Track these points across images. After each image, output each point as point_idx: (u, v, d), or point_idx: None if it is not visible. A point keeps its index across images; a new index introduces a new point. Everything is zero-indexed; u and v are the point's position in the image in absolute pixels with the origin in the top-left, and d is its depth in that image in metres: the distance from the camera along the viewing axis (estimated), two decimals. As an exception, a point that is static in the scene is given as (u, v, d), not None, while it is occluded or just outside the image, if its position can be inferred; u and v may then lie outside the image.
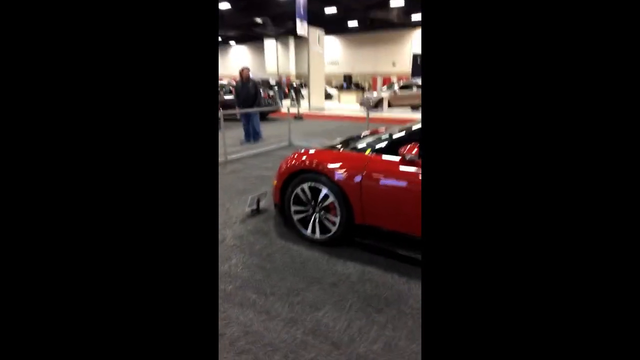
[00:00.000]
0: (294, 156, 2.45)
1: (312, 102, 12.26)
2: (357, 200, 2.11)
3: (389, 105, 11.64)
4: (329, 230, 2.28)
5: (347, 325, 1.60)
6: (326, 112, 11.63)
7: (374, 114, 10.31)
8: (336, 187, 2.17)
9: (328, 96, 14.40)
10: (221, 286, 1.90)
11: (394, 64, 22.88)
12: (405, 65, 22.17)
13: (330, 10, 17.18)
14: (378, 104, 11.89)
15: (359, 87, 18.58)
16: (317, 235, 2.34)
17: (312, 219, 2.34)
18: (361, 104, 12.55)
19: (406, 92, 12.14)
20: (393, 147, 2.13)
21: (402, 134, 2.28)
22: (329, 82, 19.42)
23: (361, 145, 2.46)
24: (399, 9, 16.87)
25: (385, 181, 2.02)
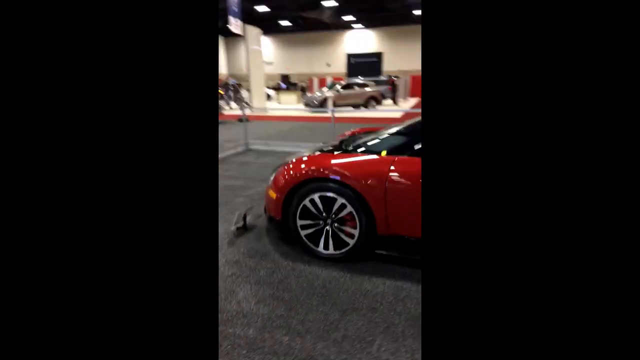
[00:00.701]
0: (294, 165, 2.12)
1: (254, 103, 11.73)
2: (381, 208, 1.88)
3: (334, 104, 11.70)
4: (346, 245, 2.02)
5: (410, 357, 1.37)
6: (270, 113, 11.20)
7: (322, 114, 10.21)
8: (355, 195, 1.92)
9: (267, 97, 13.97)
10: (239, 331, 1.51)
11: (328, 65, 23.22)
12: (339, 66, 22.65)
13: (262, 8, 16.69)
14: (323, 103, 11.90)
15: (300, 88, 18.41)
16: (331, 250, 2.06)
17: (325, 233, 2.05)
18: (306, 104, 12.44)
19: (349, 92, 12.45)
20: (408, 145, 1.95)
21: (401, 129, 2.13)
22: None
23: (365, 146, 2.24)
24: (331, 9, 17.08)
25: (414, 184, 1.82)
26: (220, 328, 1.53)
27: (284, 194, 2.09)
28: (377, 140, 2.28)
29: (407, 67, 20.67)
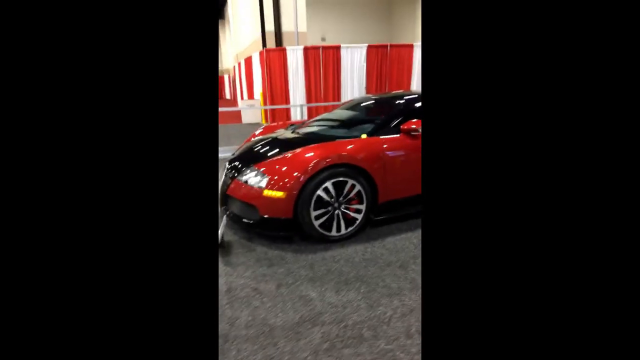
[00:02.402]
0: (297, 161, 2.10)
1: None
2: (382, 179, 2.23)
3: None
4: (354, 221, 2.24)
5: (411, 282, 1.87)
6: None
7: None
8: (362, 174, 2.17)
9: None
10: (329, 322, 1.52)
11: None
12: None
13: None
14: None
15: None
16: (342, 231, 2.22)
17: (335, 217, 2.18)
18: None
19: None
20: (385, 127, 2.40)
21: (353, 114, 2.55)
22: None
23: (327, 132, 2.51)
24: None
25: (402, 156, 2.28)
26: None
27: (298, 190, 2.04)
28: (334, 125, 2.56)
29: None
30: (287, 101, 8.38)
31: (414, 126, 2.30)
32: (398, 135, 2.35)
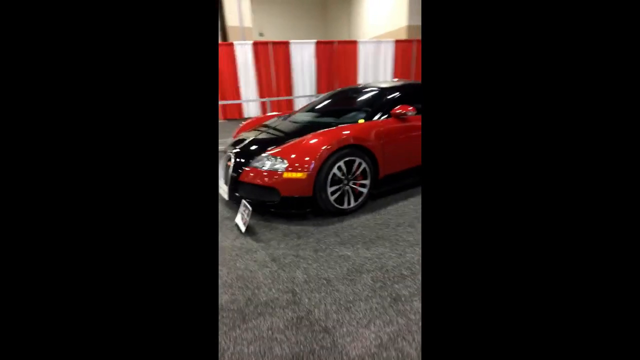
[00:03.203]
0: (311, 146, 2.37)
1: None
2: (382, 158, 2.61)
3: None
4: (360, 195, 2.59)
5: (413, 237, 2.35)
6: None
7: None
8: (367, 153, 2.52)
9: None
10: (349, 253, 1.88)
11: None
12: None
13: None
14: None
15: None
16: (353, 204, 2.56)
17: (347, 192, 2.51)
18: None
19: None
20: (378, 113, 2.79)
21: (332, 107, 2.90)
22: None
23: (325, 119, 2.83)
24: None
25: (395, 136, 2.69)
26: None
27: (317, 170, 2.31)
28: (334, 113, 2.87)
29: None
30: (238, 96, 8.36)
31: (400, 110, 2.72)
32: (390, 119, 2.75)
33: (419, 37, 9.76)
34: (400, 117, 2.76)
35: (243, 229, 2.31)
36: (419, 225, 2.34)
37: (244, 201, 2.40)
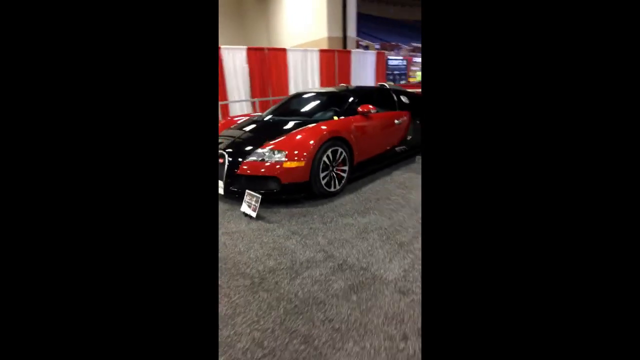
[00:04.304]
0: (306, 138, 2.80)
1: None
2: (356, 148, 3.19)
3: None
4: (342, 179, 3.12)
5: (407, 203, 3.07)
6: None
7: None
8: (347, 144, 3.07)
9: None
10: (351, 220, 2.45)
11: None
12: None
13: None
14: None
15: None
16: (337, 187, 3.07)
17: (333, 176, 3.01)
18: None
19: None
20: (349, 110, 3.36)
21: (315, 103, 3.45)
22: None
23: (304, 119, 3.30)
24: None
25: (363, 129, 3.29)
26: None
27: (311, 159, 2.76)
28: (308, 111, 3.34)
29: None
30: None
31: (365, 109, 3.35)
32: (357, 116, 3.36)
33: (339, 47, 10.82)
34: (365, 115, 3.39)
35: (254, 214, 2.62)
36: (393, 197, 2.98)
37: (248, 191, 2.71)
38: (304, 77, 9.75)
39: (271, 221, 2.59)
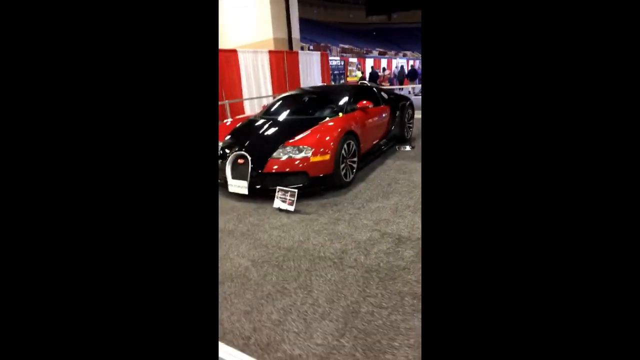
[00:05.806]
0: (327, 134, 3.02)
1: None
2: (362, 140, 3.51)
3: None
4: (353, 169, 3.41)
5: (410, 181, 3.51)
6: None
7: None
8: (356, 137, 3.36)
9: None
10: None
11: None
12: None
13: None
14: None
15: None
16: (350, 177, 3.36)
17: (347, 167, 3.29)
18: None
19: None
20: (349, 108, 3.66)
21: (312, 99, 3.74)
22: None
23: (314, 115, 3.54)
24: None
25: (365, 123, 3.62)
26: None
27: (335, 152, 3.00)
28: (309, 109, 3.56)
29: None
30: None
31: (364, 105, 3.69)
32: (358, 112, 3.67)
33: (286, 48, 11.01)
34: (364, 110, 3.72)
35: (292, 208, 2.76)
36: (401, 181, 3.37)
37: (280, 187, 2.84)
38: (257, 79, 9.71)
39: (309, 212, 2.77)
